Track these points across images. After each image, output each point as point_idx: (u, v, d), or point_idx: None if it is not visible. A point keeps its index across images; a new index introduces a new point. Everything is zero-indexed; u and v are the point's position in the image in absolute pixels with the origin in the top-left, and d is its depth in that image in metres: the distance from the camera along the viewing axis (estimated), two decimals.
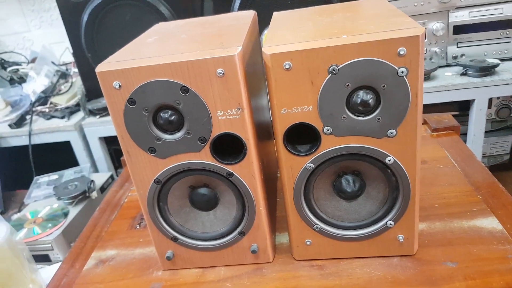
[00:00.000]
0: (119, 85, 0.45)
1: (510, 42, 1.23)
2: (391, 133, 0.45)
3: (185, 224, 0.55)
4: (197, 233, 0.55)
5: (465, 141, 1.26)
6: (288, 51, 0.42)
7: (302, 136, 0.48)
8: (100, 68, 0.45)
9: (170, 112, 0.46)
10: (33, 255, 0.90)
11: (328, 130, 0.46)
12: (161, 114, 0.47)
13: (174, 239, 0.55)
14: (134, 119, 0.47)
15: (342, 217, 0.53)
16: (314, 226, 0.52)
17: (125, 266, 0.60)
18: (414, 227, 0.51)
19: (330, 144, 0.47)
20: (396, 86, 0.43)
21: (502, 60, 1.24)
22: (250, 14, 0.63)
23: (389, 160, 0.47)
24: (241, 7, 1.15)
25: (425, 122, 0.86)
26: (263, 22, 0.71)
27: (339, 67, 0.42)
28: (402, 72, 0.42)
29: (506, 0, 1.20)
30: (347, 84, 0.43)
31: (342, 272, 0.52)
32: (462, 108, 1.28)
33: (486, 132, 1.26)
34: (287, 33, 0.48)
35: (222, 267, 0.56)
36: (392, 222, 0.51)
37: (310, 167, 0.48)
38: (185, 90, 0.45)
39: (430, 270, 0.50)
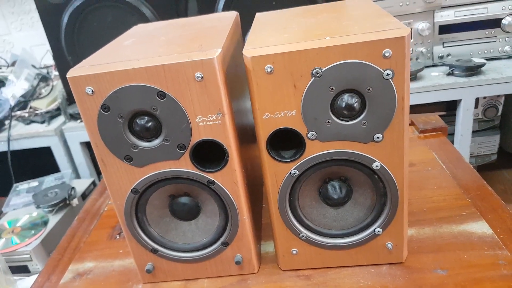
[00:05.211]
0: (92, 91, 0.43)
1: (495, 41, 1.23)
2: (378, 137, 0.44)
3: (165, 235, 0.52)
4: (178, 244, 0.52)
5: (452, 142, 1.25)
6: (270, 54, 0.40)
7: (286, 142, 0.46)
8: (71, 73, 0.43)
9: (146, 118, 0.44)
10: (11, 266, 0.87)
11: (312, 135, 0.44)
12: (137, 120, 0.44)
13: (154, 251, 0.52)
14: (109, 126, 0.44)
15: (329, 224, 0.51)
16: (300, 235, 0.50)
17: (103, 280, 0.57)
18: (403, 234, 0.49)
19: (315, 150, 0.45)
20: (382, 89, 0.41)
21: (488, 59, 1.24)
22: (231, 15, 0.61)
23: (376, 166, 0.45)
24: (225, 8, 1.13)
25: (412, 123, 0.85)
26: (248, 23, 0.68)
27: (322, 70, 0.40)
28: (388, 74, 0.40)
29: (491, 0, 1.20)
30: (331, 87, 0.41)
31: (330, 282, 0.50)
32: (449, 108, 1.28)
33: (473, 132, 1.26)
34: (269, 35, 0.46)
35: (205, 279, 0.54)
36: (380, 229, 0.49)
37: (294, 173, 0.46)
38: (162, 95, 0.42)
39: (420, 278, 0.49)
